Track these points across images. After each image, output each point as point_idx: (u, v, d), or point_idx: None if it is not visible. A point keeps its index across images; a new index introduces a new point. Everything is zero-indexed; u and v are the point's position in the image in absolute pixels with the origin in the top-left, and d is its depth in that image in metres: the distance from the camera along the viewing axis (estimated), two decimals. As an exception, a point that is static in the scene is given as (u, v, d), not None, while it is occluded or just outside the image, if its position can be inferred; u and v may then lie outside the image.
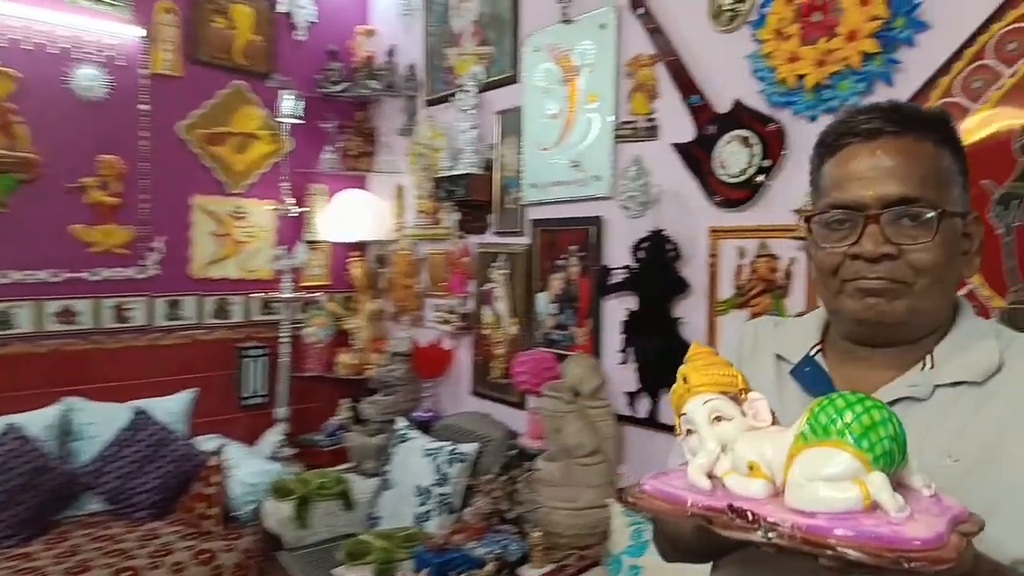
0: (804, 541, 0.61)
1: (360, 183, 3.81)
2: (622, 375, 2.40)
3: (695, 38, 2.20)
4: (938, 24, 1.66)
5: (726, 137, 2.09)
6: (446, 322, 3.21)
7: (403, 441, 2.93)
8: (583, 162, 2.57)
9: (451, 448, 2.71)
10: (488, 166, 2.97)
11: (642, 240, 2.32)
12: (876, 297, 0.82)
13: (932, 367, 0.83)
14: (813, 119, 1.89)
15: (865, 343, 0.87)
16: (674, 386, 0.79)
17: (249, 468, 2.89)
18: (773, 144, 1.98)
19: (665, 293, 2.25)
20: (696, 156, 2.18)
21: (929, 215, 0.79)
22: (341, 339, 3.64)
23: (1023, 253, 1.51)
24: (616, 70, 2.45)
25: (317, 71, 3.61)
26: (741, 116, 2.05)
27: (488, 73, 2.99)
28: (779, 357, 0.94)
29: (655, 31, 2.30)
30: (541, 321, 2.76)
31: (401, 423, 3.04)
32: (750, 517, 0.64)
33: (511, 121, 2.89)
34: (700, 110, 2.17)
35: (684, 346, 1.96)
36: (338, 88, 3.59)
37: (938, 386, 0.81)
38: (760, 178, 2.01)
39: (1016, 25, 1.52)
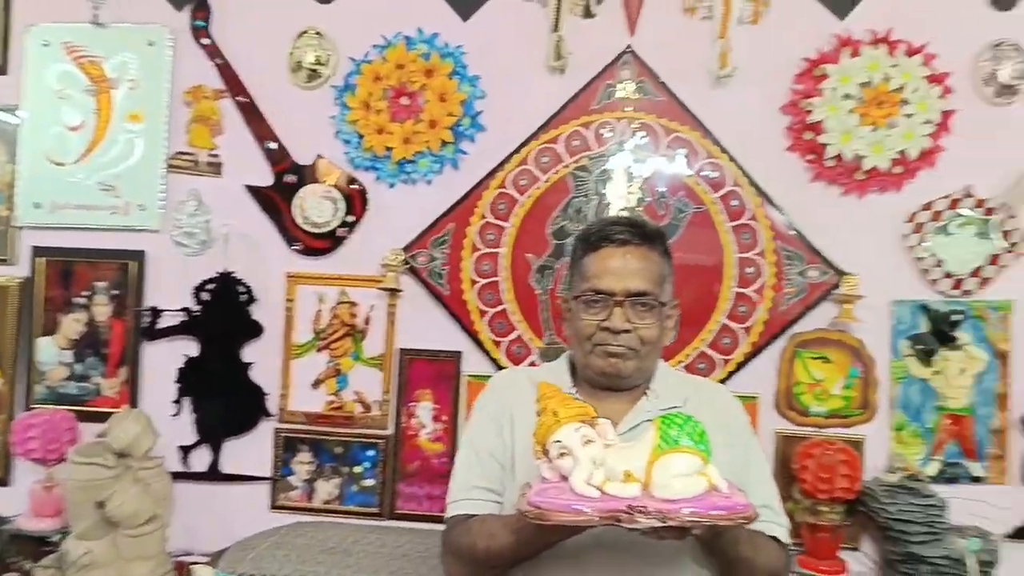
0: (690, 520, 0.87)
1: None
2: (174, 428, 2.18)
3: (271, 86, 2.23)
4: (493, 130, 2.15)
5: (310, 188, 2.18)
6: None
7: None
8: (120, 187, 2.26)
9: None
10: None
11: (207, 281, 2.19)
12: (617, 358, 1.18)
13: (656, 398, 1.21)
14: (392, 186, 2.18)
15: (605, 388, 1.20)
16: (541, 420, 0.95)
17: None
18: (356, 201, 2.18)
19: (235, 337, 2.18)
20: (274, 201, 2.20)
21: (654, 304, 1.18)
22: None
23: (554, 309, 2.09)
24: (170, 95, 2.26)
25: None
26: (326, 172, 2.18)
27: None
28: None
29: (224, 67, 2.23)
30: (45, 372, 2.26)
31: None
32: (648, 511, 0.87)
33: (-3, 121, 2.31)
34: (277, 156, 2.21)
35: (255, 392, 2.15)
36: None
37: (662, 410, 1.18)
38: (343, 231, 2.17)
39: (547, 145, 2.12)
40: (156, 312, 2.19)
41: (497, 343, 2.13)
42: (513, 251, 2.11)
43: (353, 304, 2.17)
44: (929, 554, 1.90)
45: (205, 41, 2.23)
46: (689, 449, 0.91)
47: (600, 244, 1.23)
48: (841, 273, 2.07)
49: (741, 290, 2.09)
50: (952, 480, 2.06)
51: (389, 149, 2.14)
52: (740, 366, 2.10)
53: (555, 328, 2.10)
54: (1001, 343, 2.06)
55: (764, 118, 2.11)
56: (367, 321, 2.17)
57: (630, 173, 2.10)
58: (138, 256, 2.23)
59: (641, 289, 1.19)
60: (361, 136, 2.15)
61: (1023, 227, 2.04)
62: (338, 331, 2.17)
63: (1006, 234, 2.04)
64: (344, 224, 2.17)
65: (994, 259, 2.05)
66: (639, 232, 1.24)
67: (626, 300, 1.18)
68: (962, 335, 2.06)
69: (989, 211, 2.05)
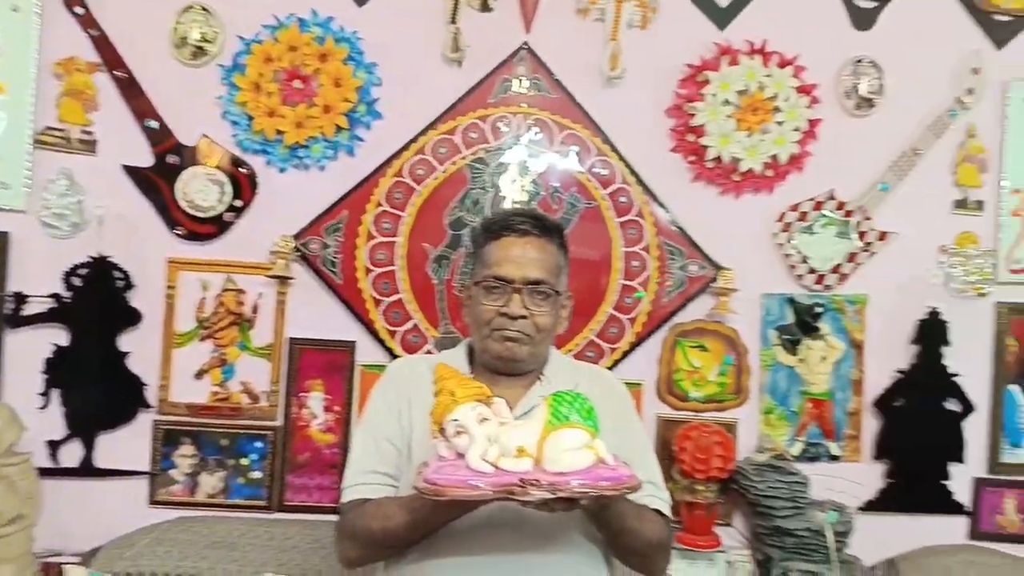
0: (579, 491, 0.91)
1: None
2: (42, 422, 2.03)
3: (153, 61, 2.12)
4: (390, 118, 2.14)
5: (193, 171, 2.09)
6: None
7: None
8: (-21, 163, 2.08)
9: None
10: None
11: (79, 266, 2.05)
12: (513, 342, 1.22)
13: (549, 383, 1.26)
14: (283, 171, 2.12)
15: (501, 372, 1.24)
16: (439, 399, 0.98)
17: None
18: (244, 185, 2.11)
19: (111, 326, 2.06)
20: (155, 183, 2.10)
21: (550, 293, 1.24)
22: None
23: (451, 299, 2.11)
24: (38, 66, 2.10)
25: None
26: (210, 153, 2.10)
27: None
28: None
29: (100, 39, 2.10)
30: None
31: None
32: (539, 483, 0.91)
33: None
34: (158, 136, 2.10)
35: (132, 382, 2.12)
36: None
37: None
38: (230, 216, 2.10)
39: (445, 136, 2.13)
40: (21, 298, 2.04)
41: (392, 332, 2.12)
42: (409, 240, 2.12)
43: (240, 292, 2.11)
44: (793, 527, 2.06)
45: (79, 10, 2.09)
46: (578, 424, 0.96)
47: (502, 233, 1.28)
48: (718, 268, 2.21)
49: (627, 282, 2.19)
50: (813, 459, 2.24)
51: (280, 133, 2.09)
52: (626, 354, 2.20)
53: (451, 317, 2.12)
54: (857, 333, 2.26)
55: (651, 119, 2.21)
56: (255, 309, 2.11)
57: (525, 167, 2.16)
58: (1, 238, 2.06)
59: (539, 278, 1.25)
60: (251, 118, 2.09)
61: (877, 228, 2.24)
62: (224, 319, 2.09)
63: (862, 234, 2.25)
64: (231, 209, 2.10)
65: (851, 257, 2.25)
66: (539, 224, 1.30)
67: (524, 288, 1.23)
68: (823, 326, 2.25)
69: (848, 213, 2.24)
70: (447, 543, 1.14)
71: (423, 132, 2.13)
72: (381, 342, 2.12)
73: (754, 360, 2.25)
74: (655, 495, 1.30)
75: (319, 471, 2.09)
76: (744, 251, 2.23)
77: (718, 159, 2.19)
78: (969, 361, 2.27)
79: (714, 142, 2.18)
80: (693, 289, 2.22)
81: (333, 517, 1.37)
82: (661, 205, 2.21)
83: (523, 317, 1.23)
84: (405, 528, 1.11)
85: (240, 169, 2.10)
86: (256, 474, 2.09)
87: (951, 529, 2.29)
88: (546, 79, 2.17)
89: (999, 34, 2.29)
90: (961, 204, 2.28)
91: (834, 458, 2.26)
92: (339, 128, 2.10)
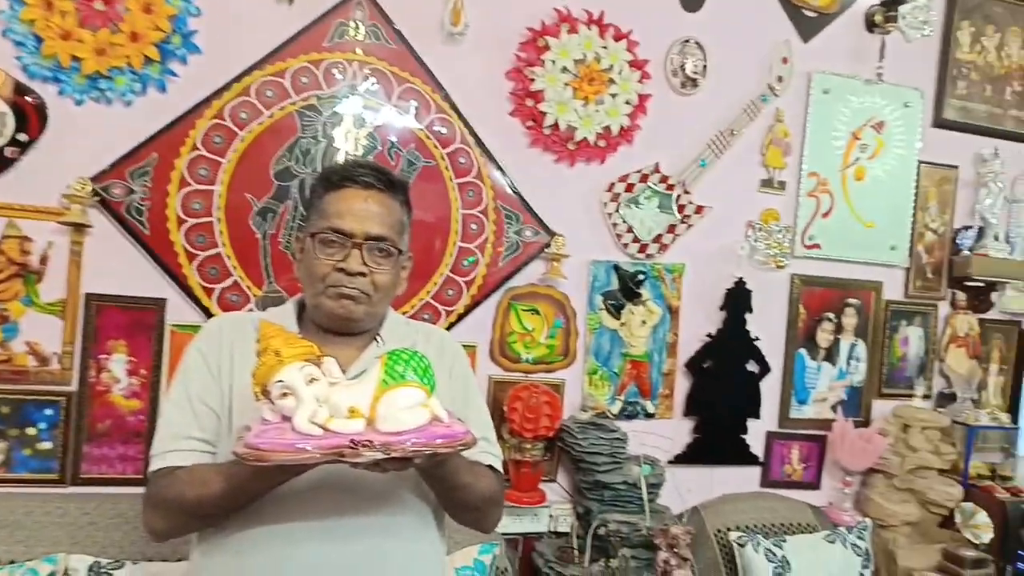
0: (413, 450, 0.88)
1: None
2: None
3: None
4: (211, 53, 1.95)
5: (-35, 95, 1.78)
6: None
7: None
8: None
9: None
10: None
11: None
12: (349, 300, 1.15)
13: (384, 343, 1.20)
14: (80, 103, 1.87)
15: (335, 332, 1.17)
16: (262, 360, 0.90)
17: None
18: (32, 117, 1.83)
19: None
20: (-89, 106, 1.76)
21: (392, 251, 1.17)
22: None
23: (276, 255, 1.98)
24: None
25: None
26: (-12, 76, 1.80)
27: None
28: None
29: None
30: None
31: None
32: (372, 444, 0.87)
33: None
34: (-84, 51, 1.77)
35: None
36: None
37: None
38: (12, 151, 1.82)
39: (273, 78, 1.98)
40: None
41: (209, 290, 1.96)
42: (230, 190, 1.95)
43: (25, 239, 1.84)
44: (611, 480, 2.18)
45: None
46: (413, 383, 0.93)
47: (343, 184, 1.19)
48: (551, 234, 2.26)
49: (465, 245, 2.17)
50: (631, 416, 2.38)
51: (78, 60, 1.83)
52: (461, 317, 2.19)
53: (276, 275, 1.99)
54: (674, 300, 2.42)
55: (491, 81, 2.19)
56: (43, 260, 1.85)
57: (361, 119, 2.06)
58: None
59: (381, 234, 1.18)
60: (40, 39, 1.81)
61: (694, 202, 2.39)
62: (4, 271, 1.82)
63: (681, 207, 2.39)
64: (15, 143, 1.81)
65: (671, 228, 2.39)
66: (384, 178, 1.23)
67: (364, 243, 1.16)
68: (644, 292, 2.38)
69: (671, 187, 2.37)
70: (272, 509, 1.07)
71: (247, 72, 1.96)
72: (196, 301, 1.95)
73: (581, 324, 2.33)
74: (488, 451, 1.30)
75: (122, 440, 1.90)
76: (575, 219, 2.29)
77: (555, 126, 2.22)
78: (767, 327, 2.51)
79: (552, 109, 2.21)
80: (527, 254, 2.25)
81: (139, 489, 1.23)
82: (500, 169, 2.20)
83: (362, 274, 1.16)
84: (224, 496, 1.02)
85: (26, 98, 1.82)
86: (45, 444, 1.85)
87: (747, 478, 2.54)
88: (385, 28, 2.07)
89: (806, 28, 2.51)
90: (767, 183, 2.49)
91: (649, 415, 2.41)
92: (149, 60, 1.88)
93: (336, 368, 0.96)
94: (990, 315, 2.80)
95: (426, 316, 2.12)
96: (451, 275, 2.16)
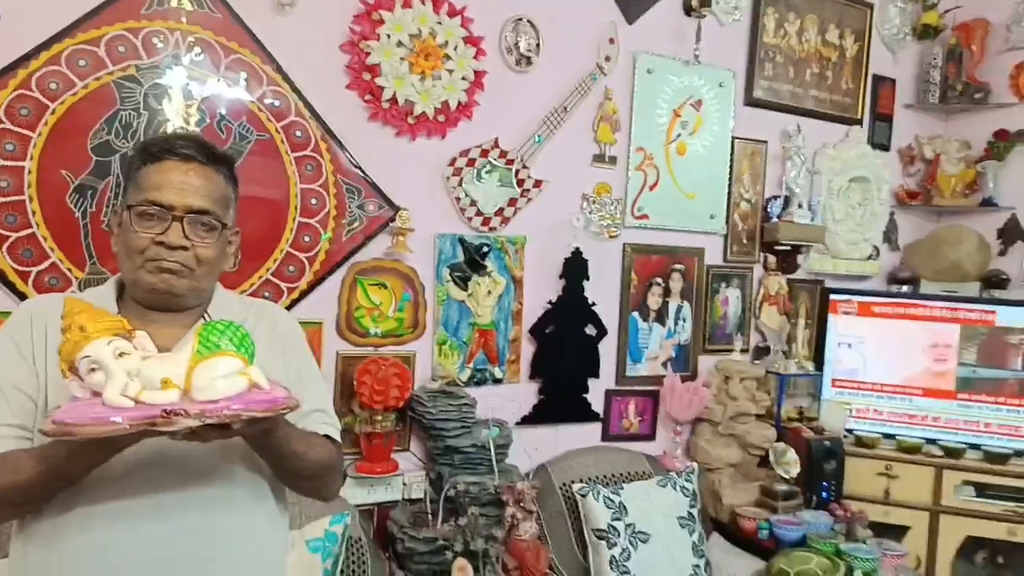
0: (228, 417, 0.90)
1: None
2: None
3: None
4: (11, 18, 1.80)
5: None
6: None
7: None
8: None
9: None
10: None
11: None
12: (170, 274, 1.13)
13: (211, 320, 1.18)
14: None
15: (156, 308, 1.15)
16: (67, 336, 0.88)
17: None
18: None
19: None
20: None
21: (215, 225, 1.16)
22: None
23: (98, 235, 1.88)
24: None
25: None
26: None
27: None
28: None
29: None
30: None
31: None
32: (185, 413, 0.88)
33: None
34: None
35: None
36: None
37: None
38: None
39: (86, 47, 1.86)
40: None
41: (24, 274, 1.83)
42: (40, 165, 1.82)
43: None
44: (461, 444, 2.27)
45: None
46: (230, 352, 0.94)
47: (162, 156, 1.16)
48: (396, 208, 2.29)
49: (305, 220, 2.16)
50: (481, 383, 2.48)
51: None
52: (304, 294, 2.18)
53: (99, 257, 1.89)
54: (517, 270, 2.53)
55: (326, 53, 2.17)
56: None
57: (188, 91, 1.98)
58: None
59: (203, 207, 1.16)
60: None
61: (533, 176, 2.50)
62: None
63: (521, 182, 2.49)
64: None
65: (512, 201, 2.49)
66: (206, 151, 1.20)
67: (186, 216, 1.14)
68: (489, 264, 2.47)
69: (510, 162, 2.46)
70: (91, 491, 1.04)
71: (56, 39, 1.83)
72: (10, 285, 1.82)
73: (429, 296, 2.39)
74: (325, 422, 1.33)
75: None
76: (419, 192, 2.34)
77: (394, 100, 2.25)
78: (603, 293, 2.68)
79: (389, 83, 2.22)
80: (372, 228, 2.27)
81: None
82: (339, 142, 2.20)
83: (183, 248, 1.14)
84: (39, 479, 0.98)
85: None
86: None
87: (589, 434, 2.72)
88: (210, -4, 2.00)
89: (631, 10, 2.67)
90: (599, 158, 2.65)
91: (497, 381, 2.52)
92: (-64, 23, 1.71)
93: (149, 342, 0.96)
94: (797, 275, 3.13)
95: (267, 294, 2.09)
96: (292, 251, 2.14)
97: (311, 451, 1.21)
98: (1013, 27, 3.25)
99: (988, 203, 3.30)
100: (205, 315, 1.23)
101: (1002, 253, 3.29)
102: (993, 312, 2.95)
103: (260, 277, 2.10)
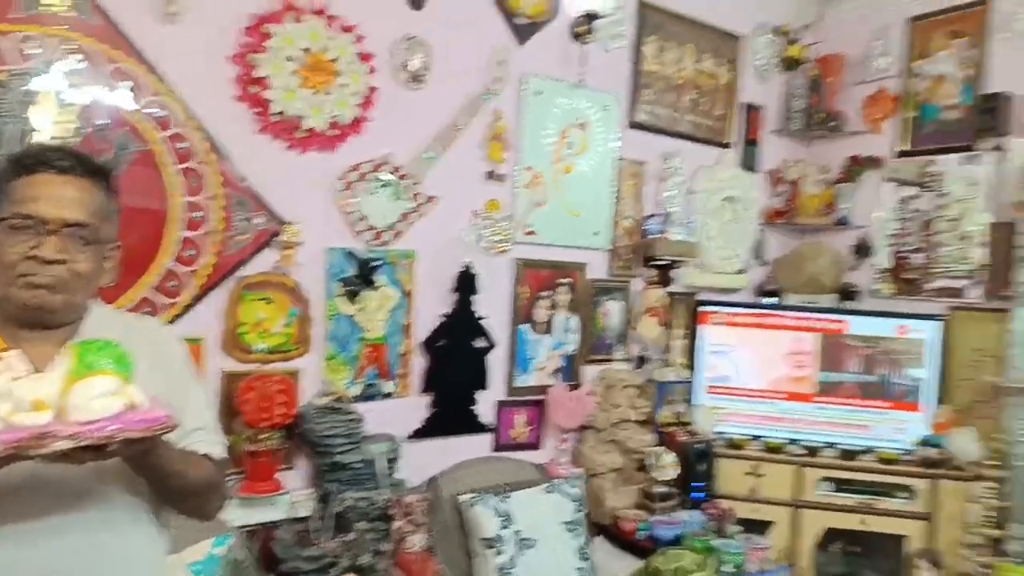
0: (103, 438, 0.90)
1: None
2: None
3: None
4: None
5: None
6: None
7: None
8: None
9: None
10: None
11: None
12: (44, 289, 1.09)
13: (87, 337, 1.15)
14: None
15: (28, 325, 1.11)
16: (-73, 357, 0.84)
17: None
18: None
19: None
20: None
21: (92, 239, 1.13)
22: None
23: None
24: None
25: None
26: None
27: None
28: None
29: None
30: None
31: None
32: (58, 434, 0.87)
33: None
34: None
35: None
36: None
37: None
38: None
39: (-56, 48, 1.76)
40: None
41: None
42: None
43: None
44: (349, 460, 2.27)
45: None
46: (108, 371, 0.93)
47: (36, 168, 1.12)
48: (283, 222, 2.27)
49: (189, 234, 2.11)
50: (371, 398, 2.49)
51: None
52: (187, 309, 2.13)
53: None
54: (408, 284, 2.56)
55: (213, 65, 2.14)
56: None
57: (62, 99, 1.90)
58: None
59: (79, 220, 1.12)
60: None
61: (425, 192, 2.55)
62: None
63: (414, 196, 2.53)
64: None
65: (404, 216, 2.52)
66: (84, 163, 1.17)
67: (61, 230, 1.11)
68: (380, 278, 2.49)
69: (402, 177, 2.50)
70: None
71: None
72: None
73: (318, 310, 2.38)
74: (207, 440, 1.31)
75: None
76: (309, 206, 2.33)
77: (282, 113, 2.23)
78: (493, 306, 2.76)
79: (278, 96, 2.21)
80: (259, 242, 2.24)
81: None
82: (225, 155, 2.16)
83: (58, 262, 1.11)
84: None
85: None
86: None
87: (479, 445, 2.78)
88: (90, 2, 1.93)
89: (521, 33, 2.77)
90: (490, 175, 2.73)
91: (388, 395, 2.54)
92: None
93: (21, 362, 0.93)
94: (675, 288, 3.32)
95: (145, 311, 2.03)
96: (173, 265, 2.08)
97: (191, 470, 1.21)
98: (866, 62, 3.60)
99: (842, 222, 3.62)
100: (79, 332, 1.20)
101: (854, 268, 3.62)
102: (845, 322, 3.24)
103: (139, 292, 2.03)
